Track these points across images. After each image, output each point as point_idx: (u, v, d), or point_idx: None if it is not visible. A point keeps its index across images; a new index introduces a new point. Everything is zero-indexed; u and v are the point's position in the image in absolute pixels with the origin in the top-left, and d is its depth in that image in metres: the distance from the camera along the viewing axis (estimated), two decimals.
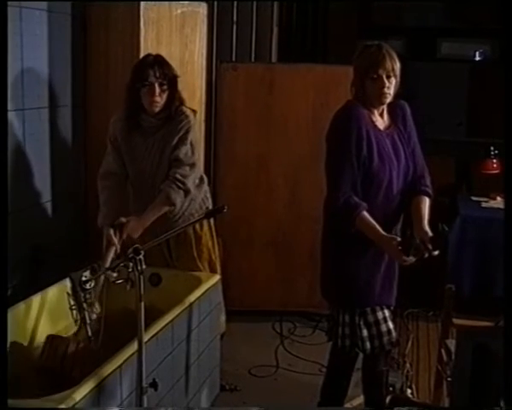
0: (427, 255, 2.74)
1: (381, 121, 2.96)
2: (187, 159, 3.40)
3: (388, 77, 2.83)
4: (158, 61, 3.32)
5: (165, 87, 3.33)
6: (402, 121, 3.00)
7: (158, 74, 3.29)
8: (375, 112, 2.94)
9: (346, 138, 2.84)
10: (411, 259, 2.76)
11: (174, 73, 3.38)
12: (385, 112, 2.98)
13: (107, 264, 3.10)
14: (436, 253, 2.74)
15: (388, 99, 2.89)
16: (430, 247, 2.72)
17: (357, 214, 2.79)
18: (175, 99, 3.39)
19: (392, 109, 3.00)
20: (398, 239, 2.79)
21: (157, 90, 3.30)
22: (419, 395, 3.83)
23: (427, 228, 2.82)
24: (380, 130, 2.92)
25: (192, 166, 3.43)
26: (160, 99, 3.33)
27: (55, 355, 2.86)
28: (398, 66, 2.84)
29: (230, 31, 5.03)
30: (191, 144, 3.43)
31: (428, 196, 2.99)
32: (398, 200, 2.95)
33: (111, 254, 3.20)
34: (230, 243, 4.61)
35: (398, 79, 2.87)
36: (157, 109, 3.36)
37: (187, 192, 3.42)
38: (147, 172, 3.45)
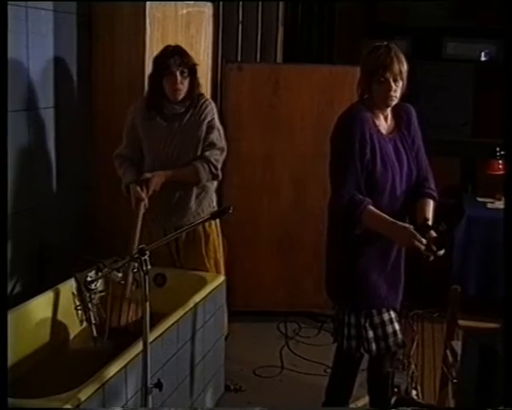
0: (432, 258, 2.72)
1: (384, 125, 2.95)
2: (218, 142, 3.56)
3: (395, 80, 2.80)
4: (178, 51, 3.45)
5: (185, 75, 3.45)
6: (406, 125, 2.98)
7: (178, 63, 3.40)
8: (380, 115, 2.93)
9: (350, 141, 2.82)
10: (431, 247, 2.68)
11: (193, 62, 3.51)
12: (389, 115, 2.97)
13: (140, 220, 3.32)
14: (441, 253, 2.72)
15: (394, 102, 2.87)
16: (434, 248, 2.70)
17: (363, 209, 2.77)
18: (196, 86, 3.53)
19: (397, 112, 2.98)
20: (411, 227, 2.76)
21: (179, 78, 3.42)
22: (424, 396, 3.82)
23: (431, 230, 2.79)
24: (383, 134, 2.91)
25: (222, 150, 3.60)
26: (182, 86, 3.45)
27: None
28: (405, 68, 2.82)
29: (236, 31, 5.02)
30: (218, 129, 3.58)
31: (433, 198, 2.96)
32: (402, 204, 2.93)
33: (142, 210, 3.36)
34: (235, 242, 4.61)
35: (405, 81, 2.84)
36: (180, 97, 3.48)
37: (215, 177, 3.57)
38: (169, 156, 3.52)
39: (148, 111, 3.52)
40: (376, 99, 2.87)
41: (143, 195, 3.38)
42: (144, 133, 3.54)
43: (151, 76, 3.51)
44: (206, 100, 3.60)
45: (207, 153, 3.52)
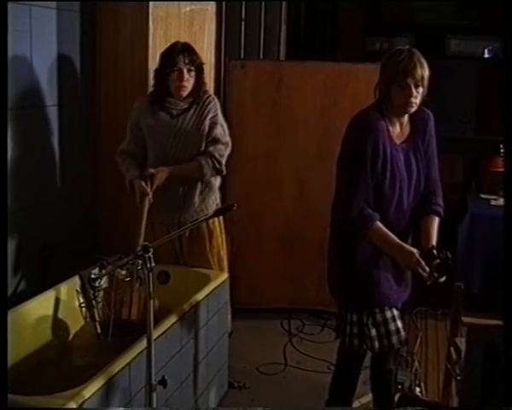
0: (429, 283, 2.71)
1: (399, 133, 2.88)
2: (222, 138, 3.58)
3: (416, 86, 2.72)
4: (186, 48, 3.48)
5: (192, 73, 3.49)
6: (421, 133, 2.91)
7: (187, 60, 3.44)
8: (396, 122, 2.85)
9: (363, 154, 2.76)
10: (433, 274, 2.68)
11: (201, 61, 3.55)
12: (406, 121, 2.89)
13: (145, 215, 3.30)
14: (443, 279, 2.70)
15: (414, 109, 2.79)
16: (436, 275, 2.69)
17: (371, 225, 2.76)
18: (201, 85, 3.56)
19: (415, 119, 2.89)
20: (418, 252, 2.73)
21: (185, 75, 3.45)
22: (428, 393, 3.82)
23: (435, 259, 2.75)
24: (395, 144, 2.84)
25: (227, 145, 3.61)
26: (188, 84, 3.48)
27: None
28: (427, 74, 2.74)
29: (239, 28, 5.03)
30: (222, 125, 3.61)
31: (439, 215, 2.94)
32: (409, 215, 2.91)
33: (146, 205, 3.36)
34: (239, 240, 4.61)
35: (426, 88, 2.77)
36: (185, 94, 3.50)
37: (219, 172, 3.59)
38: (172, 153, 3.52)
39: (151, 107, 3.53)
40: (395, 104, 2.78)
41: (148, 189, 3.38)
42: (148, 129, 3.54)
43: (157, 71, 3.52)
44: (210, 96, 3.61)
45: (211, 148, 3.53)
